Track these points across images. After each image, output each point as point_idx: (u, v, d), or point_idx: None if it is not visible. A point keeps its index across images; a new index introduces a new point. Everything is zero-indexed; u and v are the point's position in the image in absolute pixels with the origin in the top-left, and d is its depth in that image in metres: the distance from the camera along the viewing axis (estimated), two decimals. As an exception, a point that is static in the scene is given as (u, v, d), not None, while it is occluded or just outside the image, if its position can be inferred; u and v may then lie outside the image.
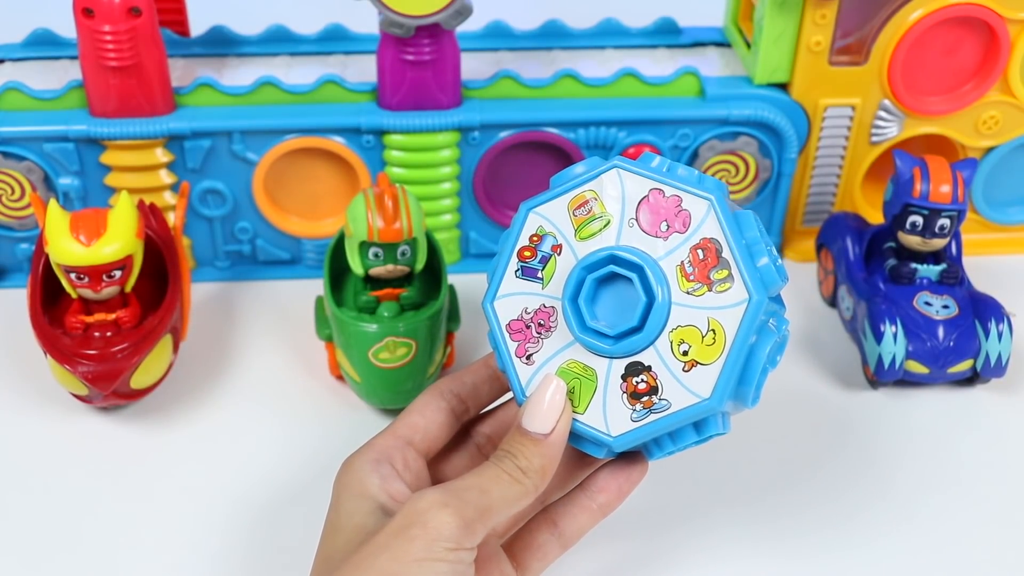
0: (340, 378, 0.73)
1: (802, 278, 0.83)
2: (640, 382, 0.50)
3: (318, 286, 0.79)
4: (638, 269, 0.50)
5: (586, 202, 0.52)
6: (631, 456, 0.54)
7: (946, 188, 0.71)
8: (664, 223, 0.51)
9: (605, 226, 0.52)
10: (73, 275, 0.66)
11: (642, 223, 0.51)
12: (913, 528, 0.64)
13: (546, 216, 0.53)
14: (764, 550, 0.62)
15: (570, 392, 0.51)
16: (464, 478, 0.49)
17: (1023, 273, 0.84)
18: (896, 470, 0.67)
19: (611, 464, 0.55)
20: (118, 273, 0.67)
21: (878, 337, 0.70)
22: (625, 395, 0.50)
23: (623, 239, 0.51)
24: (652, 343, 0.50)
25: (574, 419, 0.51)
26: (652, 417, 0.49)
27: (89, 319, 0.68)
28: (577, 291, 0.51)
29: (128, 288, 0.68)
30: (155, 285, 0.72)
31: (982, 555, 0.62)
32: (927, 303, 0.72)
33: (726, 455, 0.68)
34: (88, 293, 0.67)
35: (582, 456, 0.56)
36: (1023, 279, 0.83)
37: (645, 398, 0.50)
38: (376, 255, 0.68)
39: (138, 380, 0.68)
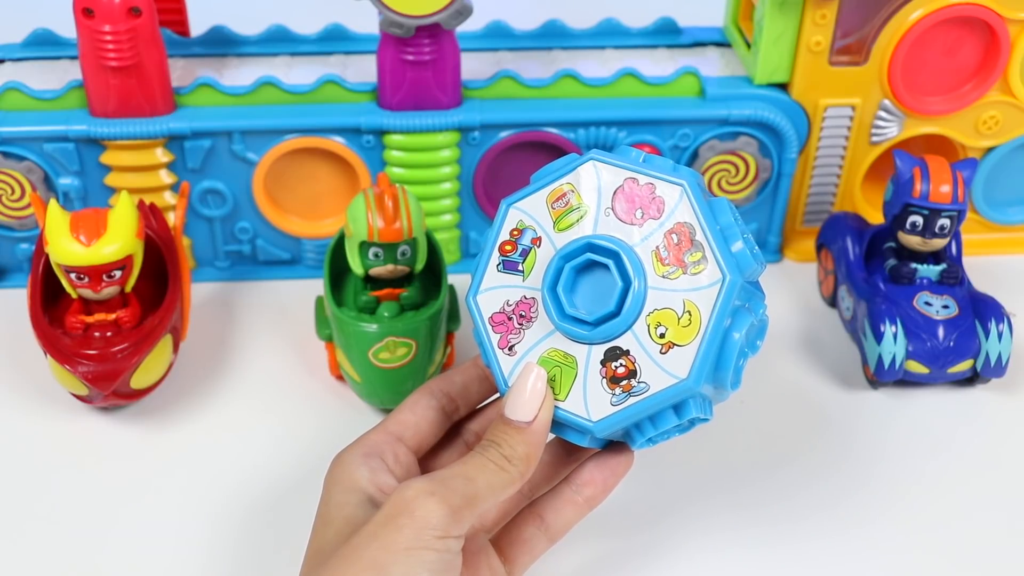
0: (340, 378, 0.73)
1: (802, 278, 0.83)
2: (619, 366, 0.51)
3: (318, 286, 0.79)
4: (614, 255, 0.51)
5: (564, 195, 0.53)
6: (616, 449, 0.55)
7: (946, 188, 0.71)
8: (639, 210, 0.52)
9: (582, 217, 0.53)
10: (73, 275, 0.66)
11: (617, 211, 0.52)
12: (913, 528, 0.63)
13: (526, 210, 0.54)
14: (760, 547, 0.62)
15: (551, 380, 0.52)
16: (450, 468, 0.50)
17: (1023, 273, 0.84)
18: (896, 470, 0.67)
19: (596, 457, 0.55)
20: (118, 273, 0.67)
21: (878, 337, 0.70)
22: (605, 380, 0.51)
23: (600, 228, 0.52)
24: (630, 327, 0.51)
25: (556, 406, 0.52)
26: (631, 400, 0.50)
27: (89, 319, 0.68)
28: (556, 280, 0.52)
29: (128, 288, 0.68)
30: (155, 285, 0.72)
31: (983, 554, 0.62)
32: (927, 303, 0.72)
33: (724, 453, 0.68)
34: (88, 293, 0.67)
35: (568, 450, 0.57)
36: (1023, 279, 0.83)
37: (624, 382, 0.50)
38: (376, 255, 0.68)
39: (138, 380, 0.68)
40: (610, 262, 0.51)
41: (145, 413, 0.71)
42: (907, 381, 0.72)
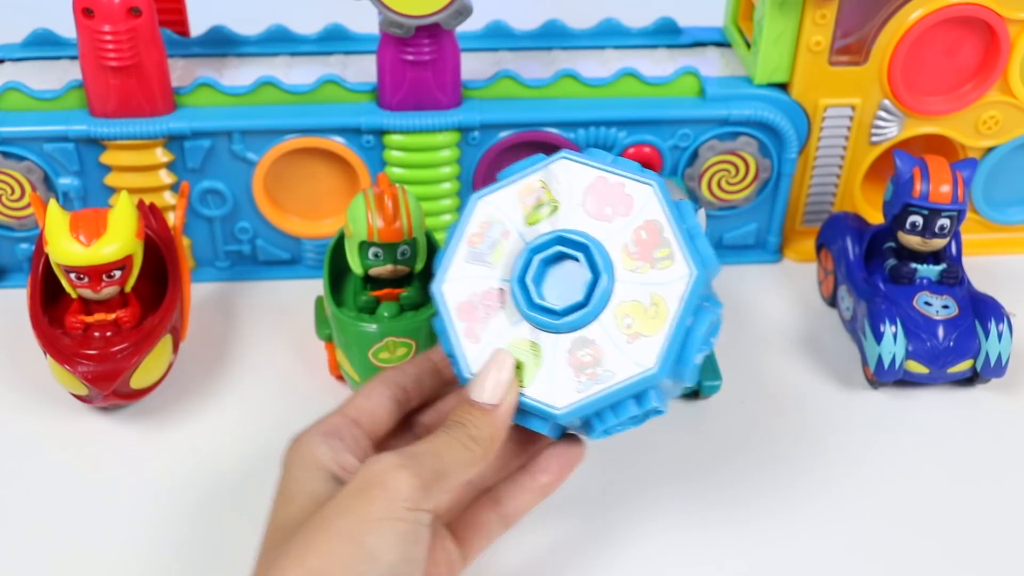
0: (340, 378, 0.73)
1: (802, 278, 0.83)
2: (585, 355, 0.51)
3: (318, 286, 0.78)
4: (583, 248, 0.52)
5: (535, 190, 0.54)
6: (569, 440, 0.56)
7: (946, 188, 0.71)
8: (609, 207, 0.53)
9: (553, 211, 0.54)
10: (73, 275, 0.66)
11: (588, 208, 0.53)
12: (913, 527, 0.64)
13: (496, 204, 0.55)
14: (761, 546, 0.62)
15: (517, 368, 0.53)
16: (416, 445, 0.51)
17: (1023, 273, 0.84)
18: (896, 470, 0.67)
19: (552, 446, 0.56)
20: (118, 273, 0.67)
21: (878, 337, 0.70)
22: (570, 368, 0.52)
23: (570, 223, 0.53)
24: (597, 317, 0.52)
25: (521, 393, 0.52)
26: (596, 388, 0.51)
27: (89, 319, 0.68)
28: (525, 271, 0.53)
29: (128, 288, 0.68)
30: (155, 285, 0.72)
31: (983, 554, 0.62)
32: (927, 303, 0.72)
33: (724, 453, 0.68)
34: (88, 293, 0.67)
35: (523, 440, 0.57)
36: (1023, 279, 0.83)
37: (590, 370, 0.51)
38: (376, 255, 0.68)
39: (138, 380, 0.68)
40: (579, 254, 0.52)
41: (145, 413, 0.71)
42: (907, 381, 0.72)
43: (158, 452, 0.68)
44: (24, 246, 0.80)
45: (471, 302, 0.54)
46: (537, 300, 0.52)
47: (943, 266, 0.73)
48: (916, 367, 0.70)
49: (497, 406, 0.52)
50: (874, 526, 0.63)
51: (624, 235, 0.52)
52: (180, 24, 0.84)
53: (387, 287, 0.69)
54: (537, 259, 0.53)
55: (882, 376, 0.70)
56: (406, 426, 0.59)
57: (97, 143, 0.76)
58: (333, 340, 0.70)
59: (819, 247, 0.81)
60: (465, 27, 0.75)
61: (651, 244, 0.52)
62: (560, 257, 0.53)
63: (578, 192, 0.54)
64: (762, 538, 0.63)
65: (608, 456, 0.67)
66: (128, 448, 0.68)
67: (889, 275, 0.74)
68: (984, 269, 0.81)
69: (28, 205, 0.78)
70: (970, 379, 0.72)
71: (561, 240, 0.53)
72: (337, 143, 0.77)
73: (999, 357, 0.70)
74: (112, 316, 0.68)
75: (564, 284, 0.53)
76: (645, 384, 0.50)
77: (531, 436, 0.56)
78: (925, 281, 0.73)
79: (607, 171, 0.54)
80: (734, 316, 0.79)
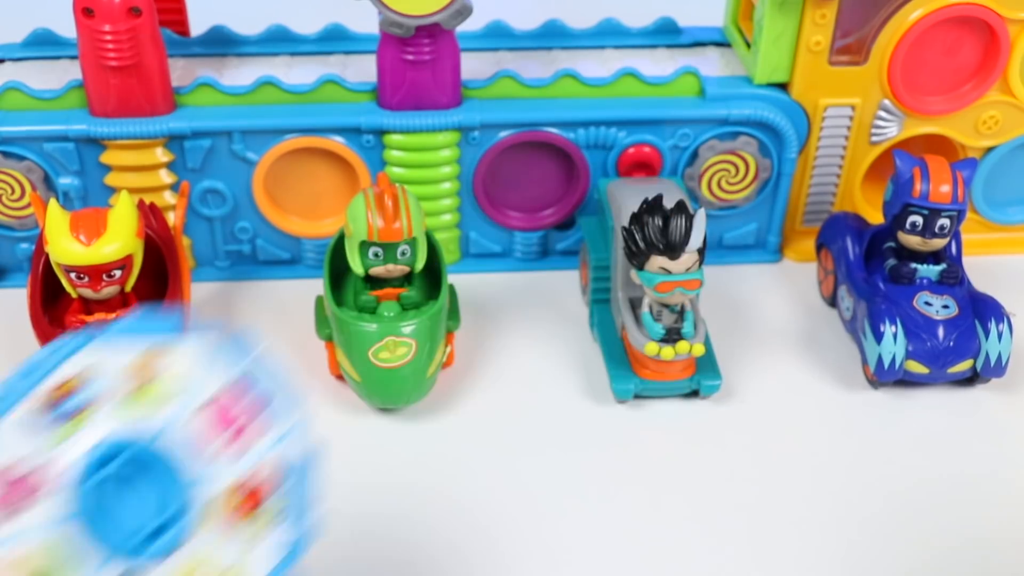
0: (340, 378, 0.73)
1: (802, 278, 0.83)
2: None
3: (318, 286, 0.79)
4: (170, 477, 0.41)
5: (150, 365, 0.42)
6: None
7: (946, 188, 0.71)
8: (229, 430, 0.42)
9: (158, 406, 0.41)
10: (73, 275, 0.66)
11: (203, 420, 0.42)
12: (913, 527, 0.63)
13: (96, 361, 0.42)
14: (761, 546, 0.62)
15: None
16: None
17: (1023, 273, 0.84)
18: (896, 470, 0.67)
19: None
20: (118, 273, 0.67)
21: (878, 337, 0.70)
22: None
23: (172, 431, 0.41)
24: (160, 562, 0.40)
25: None
26: None
27: (89, 319, 0.68)
28: (94, 470, 0.40)
29: (128, 288, 0.68)
30: (155, 285, 0.72)
31: (984, 554, 0.62)
32: (927, 303, 0.72)
33: (723, 453, 0.68)
34: (88, 293, 0.67)
35: None
36: (1023, 279, 0.83)
37: None
38: (376, 255, 0.68)
39: (138, 380, 0.68)
40: (162, 482, 0.41)
41: (145, 413, 0.71)
42: (907, 381, 0.72)
43: (158, 452, 0.68)
44: (24, 246, 0.80)
45: (8, 474, 0.40)
46: (93, 512, 0.40)
47: (943, 266, 0.73)
48: (916, 367, 0.70)
49: None
50: (873, 526, 0.63)
51: (231, 473, 0.41)
52: (180, 24, 0.84)
53: (387, 287, 0.69)
54: (113, 463, 0.40)
55: (882, 376, 0.70)
56: None
57: (97, 143, 0.76)
58: (333, 340, 0.70)
59: (819, 247, 0.81)
60: (465, 27, 0.75)
61: (264, 493, 0.41)
62: (142, 468, 0.41)
63: (205, 389, 0.42)
64: (761, 537, 0.63)
65: (605, 454, 0.67)
66: (128, 448, 0.68)
67: (889, 275, 0.74)
68: (984, 269, 0.81)
69: (28, 205, 0.78)
70: (970, 379, 0.72)
71: (144, 454, 0.41)
72: (337, 143, 0.77)
73: (999, 357, 0.70)
74: (112, 316, 0.68)
75: (139, 503, 0.41)
76: None
77: None
78: (925, 281, 0.73)
79: (247, 382, 0.42)
80: (734, 316, 0.79)
